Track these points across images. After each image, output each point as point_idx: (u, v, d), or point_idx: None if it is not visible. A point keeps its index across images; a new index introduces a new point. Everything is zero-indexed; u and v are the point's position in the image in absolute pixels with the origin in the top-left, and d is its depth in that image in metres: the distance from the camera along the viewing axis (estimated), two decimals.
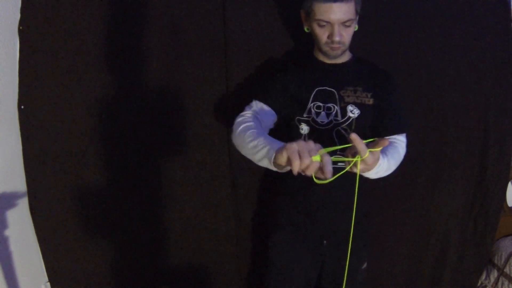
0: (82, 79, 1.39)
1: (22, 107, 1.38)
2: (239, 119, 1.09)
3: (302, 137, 1.13)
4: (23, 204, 1.44)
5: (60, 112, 1.40)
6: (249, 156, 0.99)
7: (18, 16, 1.34)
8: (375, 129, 1.16)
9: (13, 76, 1.36)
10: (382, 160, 0.96)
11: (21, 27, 1.34)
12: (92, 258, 1.51)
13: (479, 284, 1.80)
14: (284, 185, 1.25)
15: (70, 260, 1.50)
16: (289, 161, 0.76)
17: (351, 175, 1.12)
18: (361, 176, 1.17)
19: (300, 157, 0.73)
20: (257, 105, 1.14)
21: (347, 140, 1.11)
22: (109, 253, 1.52)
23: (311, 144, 0.76)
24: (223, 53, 1.41)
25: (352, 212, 1.17)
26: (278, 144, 0.88)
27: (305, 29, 1.16)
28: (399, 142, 1.15)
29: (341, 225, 1.18)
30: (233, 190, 1.53)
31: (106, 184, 1.46)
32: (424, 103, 1.53)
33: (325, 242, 1.22)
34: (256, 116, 1.11)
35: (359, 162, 0.83)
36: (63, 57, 1.37)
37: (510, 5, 1.49)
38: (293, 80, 1.16)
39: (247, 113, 1.12)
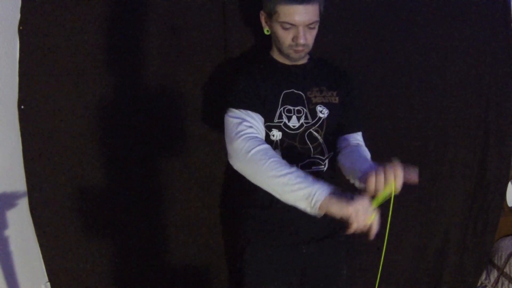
0: (82, 79, 1.38)
1: (22, 107, 1.38)
2: (241, 137, 0.97)
3: (274, 144, 1.09)
4: (23, 204, 1.44)
5: (60, 112, 1.40)
6: (271, 190, 0.92)
7: (18, 16, 1.33)
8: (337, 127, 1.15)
9: (13, 76, 1.36)
10: None
11: (21, 27, 1.34)
12: (92, 258, 1.51)
13: (479, 284, 1.80)
14: (253, 196, 1.15)
15: (70, 260, 1.50)
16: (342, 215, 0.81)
17: (325, 176, 1.11)
18: (334, 177, 1.17)
19: (359, 219, 0.79)
20: (244, 114, 1.03)
21: (319, 142, 1.11)
22: (109, 253, 1.52)
23: (366, 203, 0.80)
24: (223, 53, 1.41)
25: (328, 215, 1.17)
26: (317, 185, 0.86)
27: (265, 31, 1.12)
28: (362, 142, 1.15)
29: (320, 231, 1.16)
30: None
31: (106, 184, 1.46)
32: (424, 103, 1.53)
33: (304, 249, 1.16)
34: (257, 131, 1.01)
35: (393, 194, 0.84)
36: (63, 57, 1.36)
37: (510, 5, 1.49)
38: (259, 83, 1.10)
39: (246, 128, 1.00)
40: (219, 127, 1.46)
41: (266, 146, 0.97)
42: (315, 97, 1.11)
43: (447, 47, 1.49)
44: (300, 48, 1.05)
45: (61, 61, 1.37)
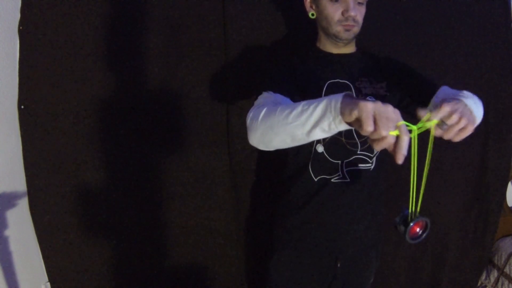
0: (82, 79, 1.38)
1: (22, 107, 1.38)
2: (253, 110, 0.86)
3: (315, 141, 1.00)
4: (23, 204, 1.44)
5: (60, 112, 1.40)
6: (292, 136, 0.75)
7: (18, 16, 1.33)
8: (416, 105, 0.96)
9: (13, 76, 1.36)
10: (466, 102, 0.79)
11: (21, 27, 1.34)
12: (92, 258, 1.51)
13: (479, 284, 1.80)
14: (289, 191, 1.10)
15: (70, 260, 1.50)
16: (357, 123, 0.62)
17: (372, 175, 1.03)
18: (379, 186, 1.08)
19: (376, 124, 0.59)
20: (271, 95, 0.92)
21: (365, 139, 1.00)
22: (109, 253, 1.52)
23: (390, 110, 0.60)
24: (223, 53, 1.41)
25: (371, 220, 1.08)
26: (331, 95, 0.68)
27: (310, 15, 1.07)
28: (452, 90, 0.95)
29: (359, 236, 1.06)
30: (233, 190, 1.53)
31: (106, 184, 1.46)
32: None
33: (339, 263, 1.07)
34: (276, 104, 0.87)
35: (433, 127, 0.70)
36: (63, 57, 1.36)
37: (510, 5, 1.49)
38: (300, 73, 1.02)
39: (262, 103, 0.89)
40: (220, 126, 1.47)
41: (278, 104, 0.83)
42: (364, 87, 1.02)
43: (447, 47, 1.49)
44: (350, 23, 0.98)
45: (61, 61, 1.37)
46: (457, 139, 0.72)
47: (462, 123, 0.68)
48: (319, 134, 0.71)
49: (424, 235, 0.78)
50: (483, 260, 1.74)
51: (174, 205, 1.51)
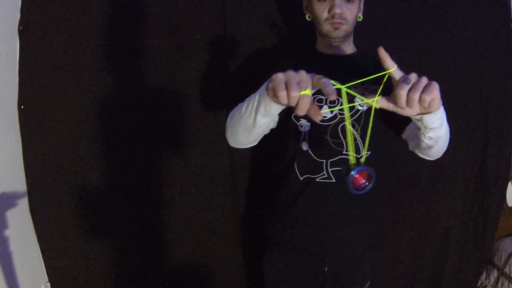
0: (82, 79, 1.39)
1: (22, 107, 1.38)
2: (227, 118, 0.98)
3: (302, 136, 1.03)
4: (23, 204, 1.44)
5: (60, 112, 1.40)
6: (246, 127, 0.85)
7: (18, 16, 1.34)
8: (398, 122, 0.99)
9: (13, 76, 1.36)
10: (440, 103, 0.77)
11: (21, 27, 1.34)
12: (92, 258, 1.51)
13: (479, 284, 1.79)
14: (277, 190, 1.11)
15: (70, 260, 1.50)
16: (275, 94, 0.67)
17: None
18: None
19: (287, 89, 0.64)
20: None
21: (354, 137, 1.00)
22: (109, 253, 1.52)
23: (302, 74, 0.66)
24: (223, 53, 1.41)
25: (358, 225, 1.08)
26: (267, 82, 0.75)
27: (307, 17, 1.08)
28: None
29: (345, 241, 1.06)
30: (232, 190, 1.53)
31: (106, 184, 1.46)
32: None
33: (326, 267, 1.07)
34: None
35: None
36: (63, 57, 1.37)
37: (510, 5, 1.49)
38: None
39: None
40: (219, 126, 1.47)
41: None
42: (355, 87, 1.00)
43: (447, 47, 1.49)
44: (337, 21, 0.98)
45: (61, 61, 1.37)
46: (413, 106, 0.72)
47: (423, 83, 0.69)
48: (261, 119, 0.79)
49: (370, 185, 0.78)
50: (483, 260, 1.74)
51: (174, 205, 1.51)
